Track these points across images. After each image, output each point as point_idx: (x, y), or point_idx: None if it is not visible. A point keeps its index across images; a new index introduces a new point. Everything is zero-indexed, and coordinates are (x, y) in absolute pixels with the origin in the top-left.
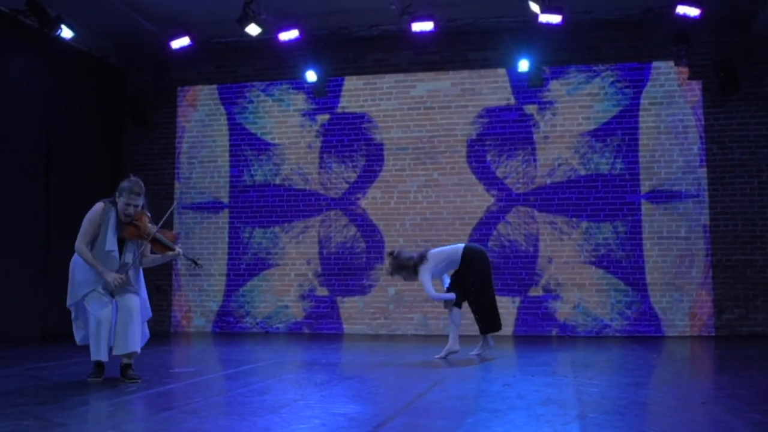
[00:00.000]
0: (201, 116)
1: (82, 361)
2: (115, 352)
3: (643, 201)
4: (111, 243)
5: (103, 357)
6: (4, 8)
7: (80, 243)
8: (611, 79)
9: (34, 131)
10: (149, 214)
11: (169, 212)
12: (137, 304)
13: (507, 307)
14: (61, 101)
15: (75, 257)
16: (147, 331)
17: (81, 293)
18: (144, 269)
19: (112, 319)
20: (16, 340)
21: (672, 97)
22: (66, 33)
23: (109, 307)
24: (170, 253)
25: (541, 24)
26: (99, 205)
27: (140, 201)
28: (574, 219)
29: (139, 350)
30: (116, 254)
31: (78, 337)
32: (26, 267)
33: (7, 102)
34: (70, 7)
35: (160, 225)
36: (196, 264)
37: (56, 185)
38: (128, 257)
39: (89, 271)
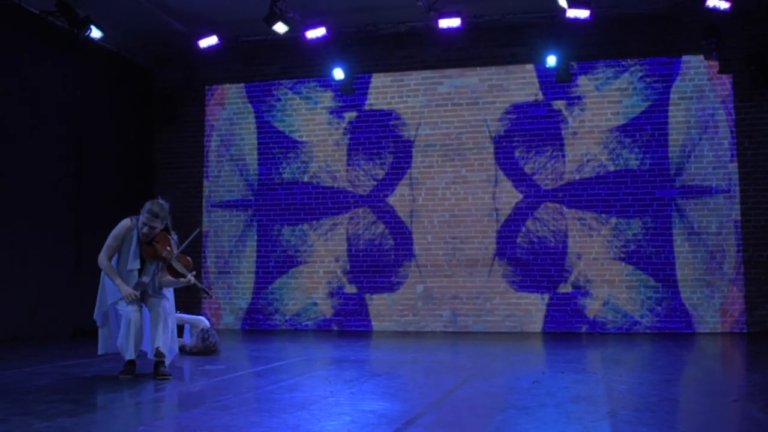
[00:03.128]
0: (229, 115)
1: (114, 359)
2: (149, 355)
3: (673, 196)
4: (133, 262)
5: (130, 355)
6: (34, 9)
7: (102, 255)
8: (640, 74)
9: (64, 131)
10: (176, 237)
11: (190, 238)
12: (167, 307)
13: (536, 303)
14: (90, 101)
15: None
16: (176, 347)
17: (111, 300)
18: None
19: (143, 322)
20: (49, 338)
21: (702, 92)
22: (95, 33)
23: (139, 310)
24: (182, 280)
25: (569, 19)
26: (125, 222)
27: (158, 224)
28: (603, 215)
29: (165, 349)
30: (136, 274)
31: (102, 347)
32: (59, 266)
33: (37, 102)
34: (99, 7)
35: (179, 251)
36: (207, 294)
37: (87, 185)
38: (145, 278)
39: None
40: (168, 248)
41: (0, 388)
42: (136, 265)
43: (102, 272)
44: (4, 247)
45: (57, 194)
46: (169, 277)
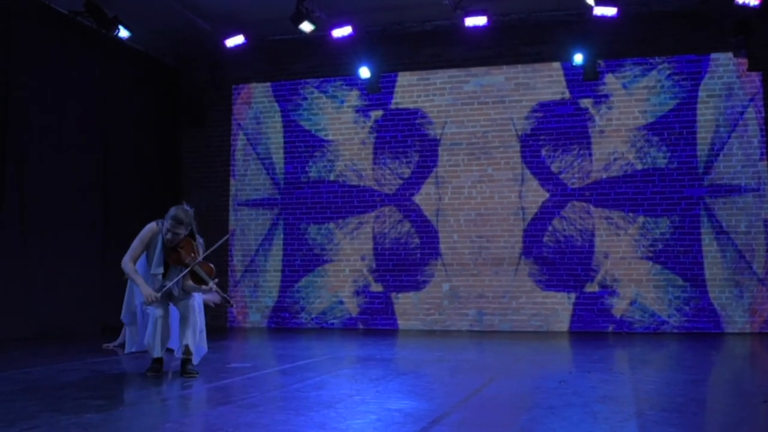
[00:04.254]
0: (256, 114)
1: (142, 356)
2: (177, 353)
3: (701, 195)
4: (157, 267)
5: (157, 353)
6: (62, 10)
7: (126, 258)
8: (668, 72)
9: (92, 130)
10: (201, 241)
11: (216, 245)
12: (195, 306)
13: (562, 303)
14: (118, 100)
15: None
16: (205, 346)
17: (138, 300)
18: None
19: (170, 320)
20: (77, 336)
21: (731, 89)
22: (123, 33)
23: (166, 308)
24: (204, 287)
25: (596, 16)
26: (151, 226)
27: (182, 230)
28: (630, 214)
29: (193, 347)
30: (160, 278)
31: (129, 345)
32: (87, 264)
33: (66, 102)
34: (126, 7)
35: (202, 257)
36: (228, 302)
37: (115, 184)
38: (169, 282)
39: (147, 282)
40: (192, 254)
41: (30, 385)
42: (160, 270)
43: (126, 297)
44: (33, 246)
45: (85, 193)
46: (191, 283)
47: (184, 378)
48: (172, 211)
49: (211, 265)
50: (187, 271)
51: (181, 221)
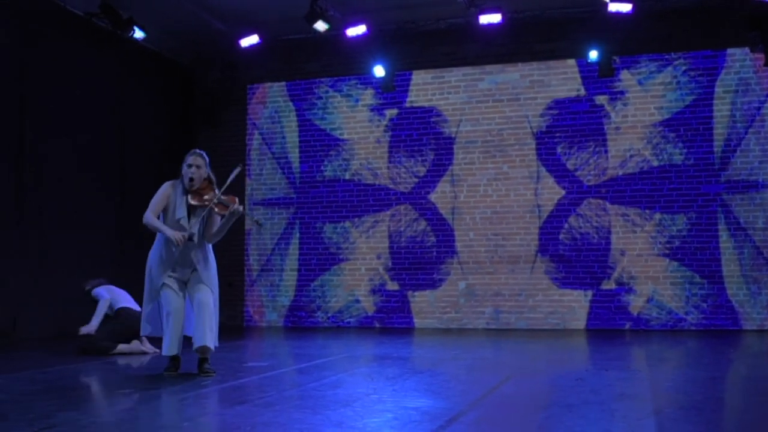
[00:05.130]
0: (270, 113)
1: (159, 355)
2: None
3: (718, 191)
4: (180, 211)
5: (173, 351)
6: (78, 11)
7: (147, 213)
8: (684, 68)
9: (107, 131)
10: (215, 179)
11: (232, 176)
12: (210, 299)
13: (579, 300)
14: (133, 101)
15: (148, 261)
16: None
17: (158, 283)
18: (217, 270)
19: (185, 314)
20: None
21: (748, 85)
22: (137, 34)
23: (181, 301)
24: (233, 209)
25: (611, 13)
26: (166, 184)
27: (201, 162)
28: (647, 211)
29: (211, 345)
30: (185, 222)
31: (145, 329)
32: (101, 263)
33: (82, 102)
34: (141, 8)
35: (223, 189)
36: (258, 223)
37: (130, 184)
38: (194, 228)
39: (162, 264)
40: (212, 191)
41: (49, 385)
42: (183, 214)
43: (146, 269)
44: (52, 247)
45: (101, 193)
46: (219, 218)
47: (201, 377)
48: (188, 154)
49: (234, 197)
50: (211, 212)
51: (201, 154)
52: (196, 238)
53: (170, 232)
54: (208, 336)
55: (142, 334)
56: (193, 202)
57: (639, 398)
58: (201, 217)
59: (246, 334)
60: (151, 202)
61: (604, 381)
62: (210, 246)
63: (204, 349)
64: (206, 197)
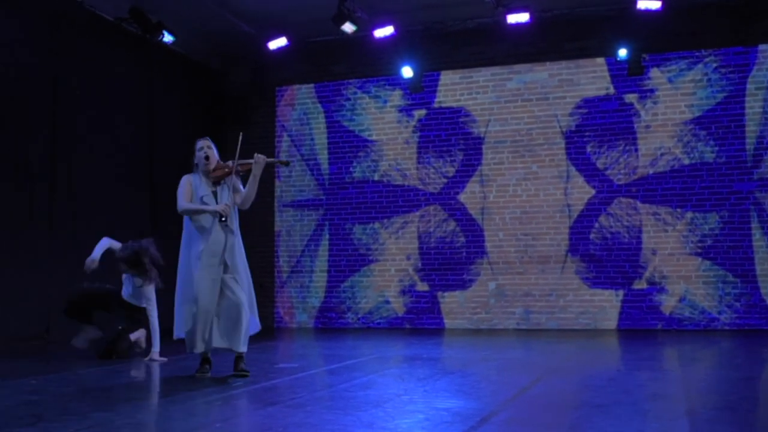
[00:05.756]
0: (299, 115)
1: (190, 357)
2: (222, 345)
3: (751, 189)
4: (203, 189)
5: (200, 348)
6: (108, 17)
7: (180, 202)
8: (714, 65)
9: (137, 134)
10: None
11: (239, 143)
12: (245, 301)
13: (610, 300)
14: (162, 104)
15: (179, 261)
16: (258, 322)
17: (190, 280)
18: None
19: (212, 316)
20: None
21: None
22: (166, 38)
23: (213, 300)
24: (257, 162)
25: (640, 10)
26: (183, 177)
27: (210, 144)
28: (678, 210)
29: (245, 349)
30: (209, 199)
31: (179, 331)
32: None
33: (112, 105)
34: (170, 12)
35: (237, 157)
36: (283, 163)
37: (160, 185)
38: (225, 198)
39: (193, 259)
40: (229, 162)
41: (82, 386)
42: (206, 191)
43: (177, 287)
44: (82, 251)
45: (131, 195)
46: (248, 181)
47: (235, 377)
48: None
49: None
50: (233, 172)
51: (207, 138)
52: (230, 210)
53: (212, 207)
54: (242, 341)
55: (175, 336)
56: (214, 175)
57: (672, 398)
58: (226, 186)
59: (276, 336)
60: (178, 194)
61: (637, 381)
62: (240, 239)
63: (240, 354)
64: (227, 168)
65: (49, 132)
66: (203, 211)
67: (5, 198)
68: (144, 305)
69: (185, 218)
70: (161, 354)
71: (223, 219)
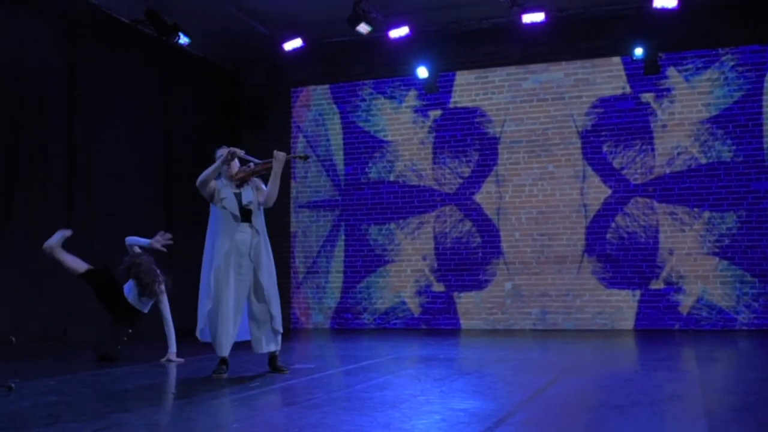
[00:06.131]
0: (315, 116)
1: (206, 358)
2: (256, 350)
3: None
4: (227, 191)
5: (224, 352)
6: (124, 19)
7: (198, 178)
8: (732, 64)
9: (154, 135)
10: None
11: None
12: (271, 302)
13: (627, 300)
14: (179, 105)
15: (203, 257)
16: (280, 322)
17: (215, 278)
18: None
19: (242, 315)
20: (143, 337)
21: None
22: (182, 39)
23: (240, 300)
24: (275, 155)
25: (656, 9)
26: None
27: (225, 150)
28: (695, 209)
29: (278, 348)
30: (233, 200)
31: (203, 332)
32: None
33: (128, 107)
34: (185, 14)
35: (252, 159)
36: (302, 158)
37: (177, 186)
38: (247, 198)
39: (218, 254)
40: (248, 164)
41: (100, 387)
42: (230, 193)
43: (201, 285)
44: (98, 251)
45: (148, 197)
46: (270, 179)
47: (275, 374)
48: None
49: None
50: (253, 172)
51: (225, 146)
52: (253, 207)
53: (222, 156)
54: (273, 341)
55: (199, 335)
56: (237, 178)
57: (690, 399)
58: (249, 187)
59: (293, 336)
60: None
61: (654, 382)
62: (267, 238)
63: (274, 353)
64: (247, 169)
65: (66, 133)
66: (216, 167)
67: (24, 199)
68: (141, 309)
69: (210, 217)
70: (178, 355)
71: (232, 159)
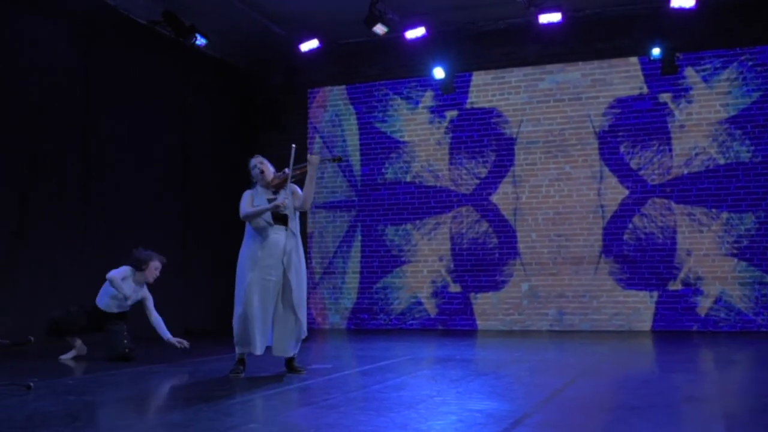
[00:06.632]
0: (331, 117)
1: (224, 358)
2: (275, 353)
3: None
4: (263, 200)
5: (247, 351)
6: (141, 20)
7: (242, 208)
8: (750, 63)
9: (172, 135)
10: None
11: (293, 154)
12: (298, 306)
13: (644, 301)
14: (196, 106)
15: (239, 262)
16: (305, 329)
17: (246, 283)
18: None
19: (269, 317)
20: (161, 339)
21: None
22: (199, 41)
23: (267, 301)
24: (311, 162)
25: (673, 9)
26: (245, 192)
27: (263, 160)
28: (713, 210)
29: (294, 353)
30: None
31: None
32: (168, 265)
33: (147, 108)
34: (202, 15)
35: (290, 165)
36: (336, 160)
37: (193, 187)
38: (286, 201)
39: (253, 261)
40: (284, 170)
41: (117, 387)
42: (264, 200)
43: (236, 288)
44: (117, 250)
45: (166, 199)
46: (305, 183)
47: (292, 374)
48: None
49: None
50: (291, 178)
51: (258, 155)
52: (289, 211)
53: (273, 205)
54: (293, 347)
55: (235, 339)
56: (273, 185)
57: (708, 401)
58: (284, 192)
59: (309, 337)
60: (240, 206)
61: (672, 383)
62: (300, 242)
63: (292, 357)
64: (282, 176)
65: (83, 134)
66: (264, 210)
67: (41, 199)
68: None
69: (247, 224)
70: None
71: (283, 211)
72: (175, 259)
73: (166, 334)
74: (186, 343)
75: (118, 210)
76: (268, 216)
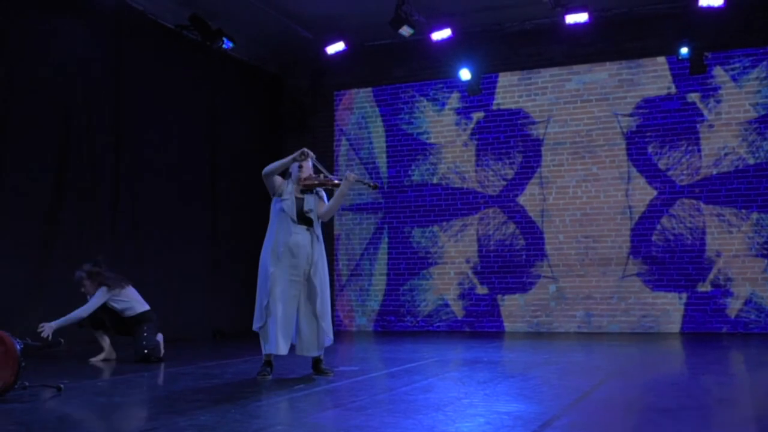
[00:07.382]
0: (357, 119)
1: (252, 359)
2: (298, 352)
3: None
4: (289, 193)
5: (271, 351)
6: (169, 24)
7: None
8: None
9: (199, 138)
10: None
11: (320, 166)
12: (325, 310)
13: (673, 303)
14: (223, 109)
15: (261, 255)
16: (331, 335)
17: (269, 278)
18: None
19: (293, 317)
20: (190, 339)
21: None
22: (226, 44)
23: (291, 303)
24: (346, 179)
25: (701, 8)
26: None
27: (304, 158)
28: (743, 210)
29: (320, 353)
30: (293, 203)
31: (257, 323)
32: (196, 268)
33: (174, 111)
34: (229, 19)
35: (324, 171)
36: (372, 186)
37: (221, 189)
38: (309, 205)
39: (275, 255)
40: (320, 173)
41: (147, 389)
42: (292, 196)
43: (258, 282)
44: (146, 251)
45: (194, 201)
46: (334, 195)
47: (319, 376)
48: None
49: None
50: (319, 183)
51: (302, 148)
52: (313, 215)
53: (291, 157)
54: (319, 346)
55: (254, 327)
56: (304, 184)
57: (738, 403)
58: (312, 195)
59: (336, 339)
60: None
61: (702, 385)
62: (323, 247)
63: (319, 357)
64: (316, 179)
65: (112, 137)
66: (284, 164)
67: (72, 203)
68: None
69: (271, 214)
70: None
71: (300, 166)
72: (204, 261)
73: (57, 322)
74: (48, 333)
75: (147, 214)
76: (292, 211)
